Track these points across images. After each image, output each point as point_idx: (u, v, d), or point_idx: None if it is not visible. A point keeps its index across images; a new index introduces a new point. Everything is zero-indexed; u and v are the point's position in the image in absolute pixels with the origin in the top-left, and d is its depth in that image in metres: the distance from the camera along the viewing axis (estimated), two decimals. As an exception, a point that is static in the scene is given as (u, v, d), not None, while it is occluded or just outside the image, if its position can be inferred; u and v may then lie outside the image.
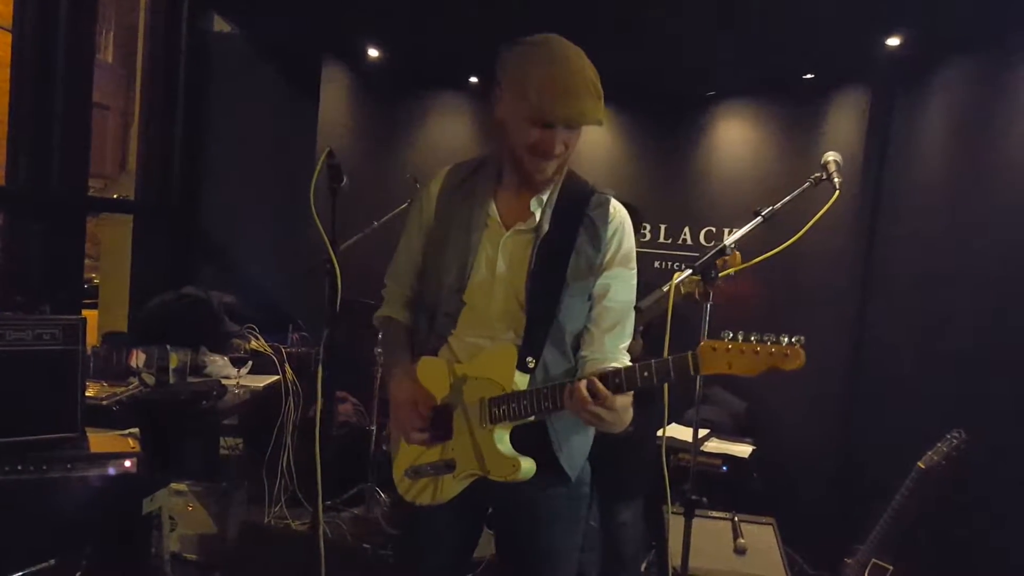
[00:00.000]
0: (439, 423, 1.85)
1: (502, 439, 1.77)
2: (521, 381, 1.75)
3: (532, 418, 1.74)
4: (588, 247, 1.82)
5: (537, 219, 1.83)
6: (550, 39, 1.75)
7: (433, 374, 1.87)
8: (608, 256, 1.84)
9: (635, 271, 1.90)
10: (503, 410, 1.74)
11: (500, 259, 1.83)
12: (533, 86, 1.69)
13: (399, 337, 1.99)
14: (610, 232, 1.84)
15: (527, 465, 1.75)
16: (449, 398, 1.84)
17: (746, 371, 1.52)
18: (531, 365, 1.76)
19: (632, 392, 1.65)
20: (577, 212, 1.84)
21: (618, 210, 1.88)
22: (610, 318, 1.84)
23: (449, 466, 1.83)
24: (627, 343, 1.88)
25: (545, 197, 1.85)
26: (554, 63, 1.70)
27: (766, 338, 1.51)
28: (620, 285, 1.85)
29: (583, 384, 1.62)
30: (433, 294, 1.91)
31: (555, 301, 1.78)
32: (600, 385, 1.61)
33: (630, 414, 1.69)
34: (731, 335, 1.54)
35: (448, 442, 1.84)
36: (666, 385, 1.87)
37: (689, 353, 1.57)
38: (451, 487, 1.84)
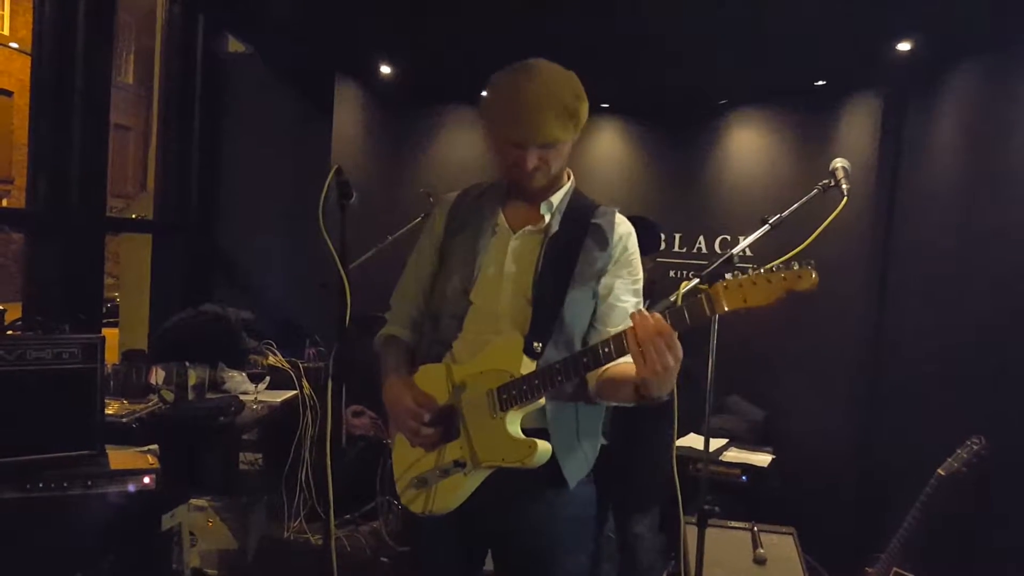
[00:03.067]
0: (444, 426, 1.85)
1: (514, 424, 1.76)
2: (528, 366, 1.76)
3: (543, 400, 1.75)
4: (595, 247, 1.87)
5: (547, 220, 1.89)
6: (533, 64, 1.81)
7: (433, 380, 1.88)
8: (615, 258, 1.89)
9: (640, 280, 1.93)
10: (513, 395, 1.75)
11: (509, 259, 1.87)
12: (499, 112, 1.80)
13: (398, 352, 2.01)
14: (616, 237, 1.90)
15: (544, 446, 1.74)
16: (452, 399, 1.84)
17: (762, 301, 1.49)
18: (538, 349, 1.77)
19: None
20: (584, 219, 1.89)
21: (623, 221, 1.94)
22: (616, 316, 1.85)
23: (459, 464, 1.82)
24: None
25: (556, 202, 1.90)
26: (519, 84, 1.77)
27: (774, 267, 1.50)
28: (625, 286, 1.89)
29: (641, 309, 1.62)
30: (439, 301, 1.94)
31: (561, 295, 1.82)
32: (660, 316, 1.57)
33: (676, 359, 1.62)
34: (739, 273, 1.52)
35: (455, 442, 1.84)
36: (676, 396, 1.87)
37: (702, 295, 1.55)
38: (462, 488, 1.82)
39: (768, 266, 1.51)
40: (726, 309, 1.52)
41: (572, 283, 1.83)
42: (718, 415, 4.36)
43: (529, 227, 1.89)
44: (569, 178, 1.95)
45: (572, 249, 1.85)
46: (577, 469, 1.87)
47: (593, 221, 1.89)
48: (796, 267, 1.48)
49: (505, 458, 1.76)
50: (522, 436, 1.76)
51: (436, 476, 1.86)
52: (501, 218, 1.92)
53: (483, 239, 1.90)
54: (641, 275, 1.93)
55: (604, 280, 1.87)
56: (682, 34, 3.86)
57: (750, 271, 1.52)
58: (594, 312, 1.88)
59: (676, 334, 1.58)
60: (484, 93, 1.85)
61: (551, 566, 1.87)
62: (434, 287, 1.98)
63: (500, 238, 1.90)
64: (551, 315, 1.81)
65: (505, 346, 1.79)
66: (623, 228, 1.92)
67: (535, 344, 1.77)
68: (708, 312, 1.54)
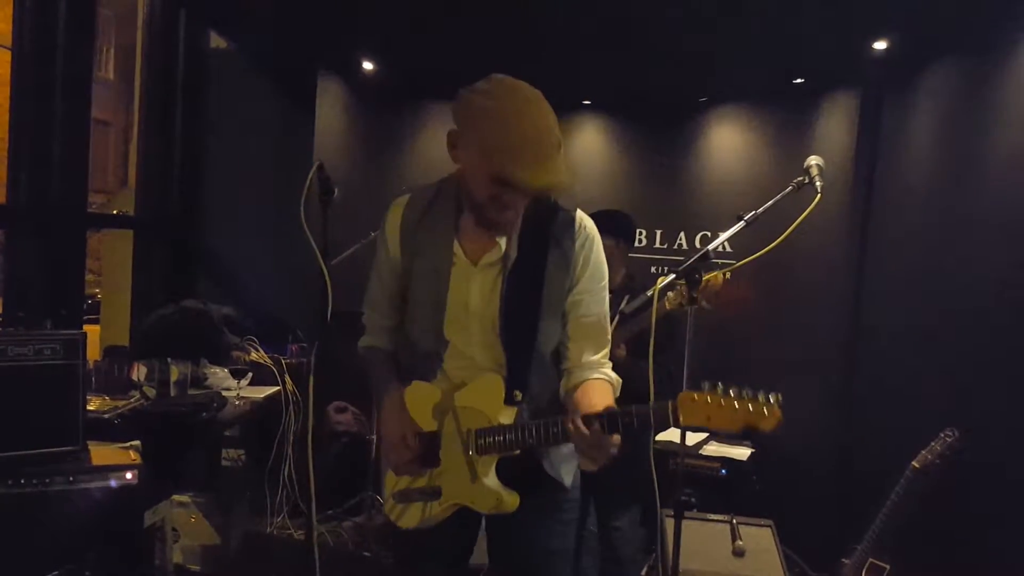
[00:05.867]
0: (427, 450, 1.87)
1: (487, 471, 1.79)
2: (508, 414, 1.78)
3: (517, 452, 1.77)
4: (558, 270, 1.82)
5: (503, 249, 1.82)
6: (505, 88, 1.68)
7: (422, 401, 1.89)
8: (577, 272, 1.84)
9: (606, 283, 1.91)
10: (489, 442, 1.77)
11: (472, 295, 1.83)
12: (495, 147, 1.62)
13: (384, 364, 2.01)
14: (577, 248, 1.83)
15: (510, 499, 1.78)
16: (437, 426, 1.86)
17: (724, 426, 1.52)
18: (518, 398, 1.78)
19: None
20: (543, 235, 1.81)
21: (584, 225, 1.87)
22: (584, 331, 1.87)
23: (435, 493, 1.86)
24: (606, 351, 1.90)
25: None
26: (518, 122, 1.62)
27: (744, 393, 1.51)
28: (591, 299, 1.87)
29: (578, 421, 1.65)
30: (414, 335, 1.93)
31: (533, 330, 1.80)
32: (595, 424, 1.64)
33: (614, 450, 1.70)
34: (709, 386, 1.53)
35: (435, 469, 1.87)
36: (652, 393, 1.91)
37: (669, 403, 1.58)
38: (437, 513, 1.86)
39: (739, 392, 1.52)
40: (688, 423, 1.56)
41: (542, 314, 1.81)
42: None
43: (487, 258, 1.82)
44: None
45: (535, 277, 1.80)
46: (570, 469, 1.92)
47: (552, 235, 1.82)
48: (762, 400, 1.50)
49: (473, 502, 1.81)
50: (493, 484, 1.78)
51: (416, 496, 1.90)
52: (457, 248, 1.83)
53: (443, 272, 1.83)
54: (606, 274, 1.91)
55: (572, 298, 1.85)
56: (663, 32, 3.89)
57: (719, 389, 1.53)
58: (564, 327, 1.87)
59: (612, 439, 1.64)
60: (469, 112, 1.67)
61: (542, 548, 1.91)
62: (404, 313, 1.96)
63: (460, 271, 1.84)
64: (526, 351, 1.80)
65: (486, 387, 1.80)
66: (583, 235, 1.85)
67: (515, 393, 1.78)
68: (672, 422, 1.59)
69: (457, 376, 1.86)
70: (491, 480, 1.79)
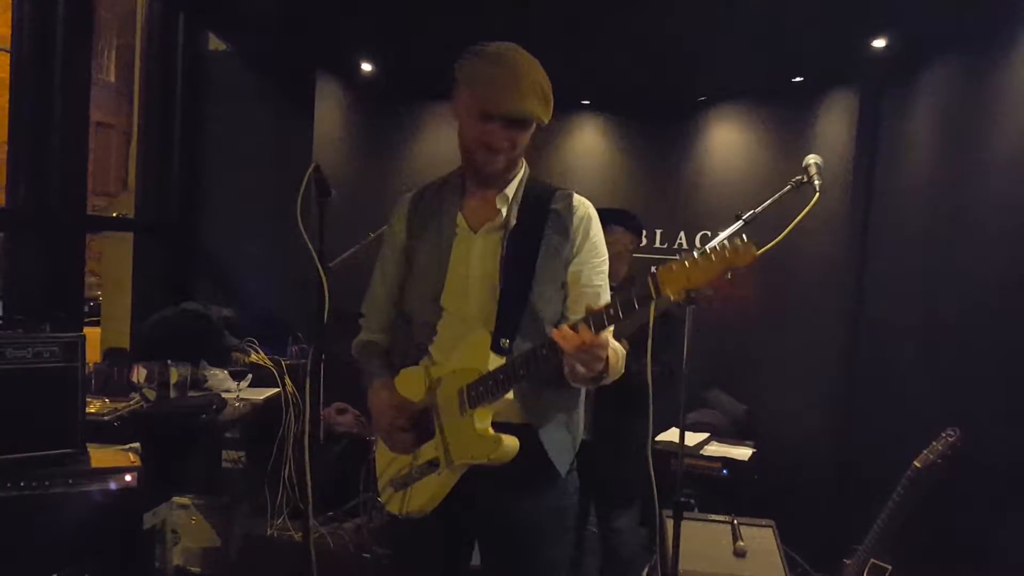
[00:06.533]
0: (420, 427, 1.87)
1: (482, 421, 1.78)
2: (496, 362, 1.77)
3: (511, 395, 1.76)
4: (555, 236, 1.87)
5: (504, 215, 1.88)
6: (508, 45, 1.82)
7: (411, 383, 1.91)
8: (576, 244, 1.88)
9: (605, 259, 1.94)
10: (480, 391, 1.76)
11: (472, 260, 1.87)
12: (480, 81, 1.77)
13: (376, 356, 2.03)
14: (575, 221, 1.89)
15: (509, 441, 1.76)
16: (427, 400, 1.86)
17: (704, 279, 1.51)
18: (505, 345, 1.78)
19: (610, 333, 1.68)
20: (542, 207, 1.89)
21: (582, 203, 1.93)
22: (585, 303, 1.85)
23: (433, 464, 1.84)
24: (610, 329, 1.89)
25: (510, 195, 1.90)
26: (502, 63, 1.77)
27: (714, 246, 1.53)
28: (591, 271, 1.90)
29: (564, 328, 1.64)
30: (410, 307, 1.95)
31: (526, 287, 1.82)
32: (583, 325, 1.62)
33: (620, 360, 1.71)
34: (682, 255, 1.55)
35: (430, 442, 1.86)
36: (651, 392, 1.90)
37: (648, 276, 1.58)
38: (438, 487, 1.84)
39: (711, 245, 1.54)
40: (670, 293, 1.54)
41: (537, 276, 1.83)
42: (700, 409, 4.40)
43: (488, 224, 1.89)
44: (523, 167, 1.94)
45: (532, 241, 1.85)
46: (566, 457, 1.90)
47: (551, 207, 1.88)
48: (734, 242, 1.51)
49: (474, 455, 1.78)
50: (489, 432, 1.77)
51: (413, 477, 1.88)
52: (460, 219, 1.91)
53: (445, 243, 1.89)
54: (606, 254, 1.94)
55: (571, 269, 1.88)
56: (662, 32, 3.89)
57: (692, 252, 1.55)
58: (564, 300, 1.89)
59: (600, 338, 1.63)
60: (466, 63, 1.82)
61: (538, 555, 1.90)
62: (403, 292, 1.98)
63: (462, 239, 1.89)
64: (517, 310, 1.82)
65: (474, 343, 1.81)
66: (582, 210, 1.91)
67: (502, 340, 1.79)
68: (655, 294, 1.57)
69: (449, 346, 1.87)
70: (484, 427, 1.77)
